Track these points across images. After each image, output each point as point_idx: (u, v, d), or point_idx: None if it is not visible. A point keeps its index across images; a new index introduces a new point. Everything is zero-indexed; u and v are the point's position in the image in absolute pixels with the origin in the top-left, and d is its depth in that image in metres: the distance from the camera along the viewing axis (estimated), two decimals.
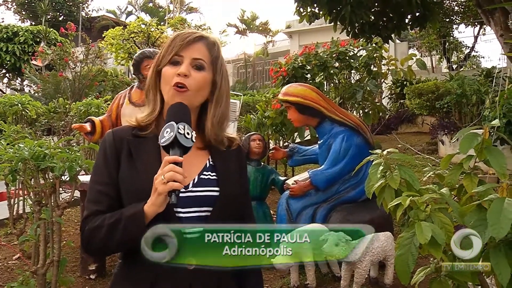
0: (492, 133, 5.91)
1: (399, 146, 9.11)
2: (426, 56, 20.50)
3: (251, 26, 31.88)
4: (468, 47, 20.84)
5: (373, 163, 1.83)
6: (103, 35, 20.28)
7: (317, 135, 4.34)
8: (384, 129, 11.12)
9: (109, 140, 1.42)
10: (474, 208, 1.53)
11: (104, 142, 1.43)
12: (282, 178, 4.59)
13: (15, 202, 4.14)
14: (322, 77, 7.41)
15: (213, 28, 42.75)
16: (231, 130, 5.66)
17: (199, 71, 1.39)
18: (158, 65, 1.41)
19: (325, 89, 7.97)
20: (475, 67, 18.81)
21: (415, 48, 21.54)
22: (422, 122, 12.06)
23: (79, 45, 18.98)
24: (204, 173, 1.42)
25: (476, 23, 18.21)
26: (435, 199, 1.61)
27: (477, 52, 22.47)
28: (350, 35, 6.89)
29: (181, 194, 1.25)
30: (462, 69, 17.81)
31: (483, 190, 1.55)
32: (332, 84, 7.94)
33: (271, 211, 4.69)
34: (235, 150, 1.52)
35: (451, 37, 19.74)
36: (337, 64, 7.39)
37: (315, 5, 5.23)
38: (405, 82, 11.89)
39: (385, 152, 1.83)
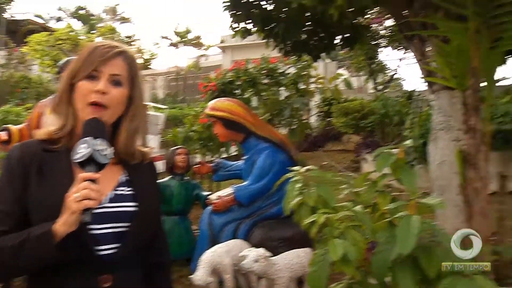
0: (411, 153, 6.21)
1: (325, 163, 9.32)
2: (355, 76, 21.23)
3: (185, 39, 31.71)
4: (392, 69, 21.85)
5: (291, 180, 1.84)
6: (27, 40, 19.39)
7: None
8: (311, 146, 11.34)
9: (15, 156, 1.31)
10: (386, 225, 1.57)
11: (9, 158, 1.32)
12: (206, 193, 4.54)
13: None
14: (251, 93, 7.48)
15: (145, 39, 42.27)
16: (154, 144, 5.55)
17: (116, 86, 1.33)
18: (73, 78, 1.33)
19: (255, 105, 8.03)
20: (398, 88, 19.75)
21: (344, 68, 22.26)
22: (348, 140, 12.43)
23: (0, 49, 17.99)
24: (120, 188, 1.38)
25: (401, 47, 19.11)
26: (349, 216, 1.64)
27: (399, 75, 23.61)
28: (282, 52, 7.02)
29: (96, 210, 1.19)
30: (386, 90, 18.62)
31: (394, 207, 1.59)
32: (262, 100, 8.03)
33: (194, 226, 4.62)
34: (148, 164, 1.49)
35: (376, 59, 20.63)
36: (266, 81, 7.49)
37: (249, 21, 5.28)
38: (332, 101, 12.23)
39: (303, 169, 1.85)
